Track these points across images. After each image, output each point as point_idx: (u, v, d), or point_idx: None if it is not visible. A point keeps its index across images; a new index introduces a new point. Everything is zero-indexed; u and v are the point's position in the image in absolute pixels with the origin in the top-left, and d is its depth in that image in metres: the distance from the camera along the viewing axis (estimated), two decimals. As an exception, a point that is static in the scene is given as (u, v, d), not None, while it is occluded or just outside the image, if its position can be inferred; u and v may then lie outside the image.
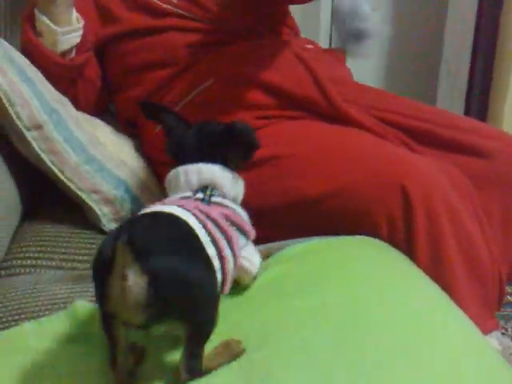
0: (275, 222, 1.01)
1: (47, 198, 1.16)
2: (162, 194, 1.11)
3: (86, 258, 0.98)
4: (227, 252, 0.63)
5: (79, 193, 1.04)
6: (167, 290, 0.50)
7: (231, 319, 0.69)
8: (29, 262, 0.94)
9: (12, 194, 1.03)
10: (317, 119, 1.10)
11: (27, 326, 0.71)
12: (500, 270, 1.03)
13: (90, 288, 0.78)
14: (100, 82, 1.22)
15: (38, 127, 0.99)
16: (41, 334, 0.69)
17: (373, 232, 0.91)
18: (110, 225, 1.06)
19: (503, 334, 1.31)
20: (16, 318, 0.72)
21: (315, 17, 2.07)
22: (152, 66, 1.16)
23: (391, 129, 1.08)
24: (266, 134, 1.06)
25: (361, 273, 0.79)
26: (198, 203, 0.65)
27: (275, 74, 1.12)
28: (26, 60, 1.04)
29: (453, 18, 2.02)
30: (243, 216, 0.73)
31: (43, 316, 0.72)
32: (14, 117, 0.98)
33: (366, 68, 2.25)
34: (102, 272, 0.50)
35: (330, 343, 0.63)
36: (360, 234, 0.90)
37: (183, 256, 0.53)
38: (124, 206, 1.07)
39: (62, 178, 1.02)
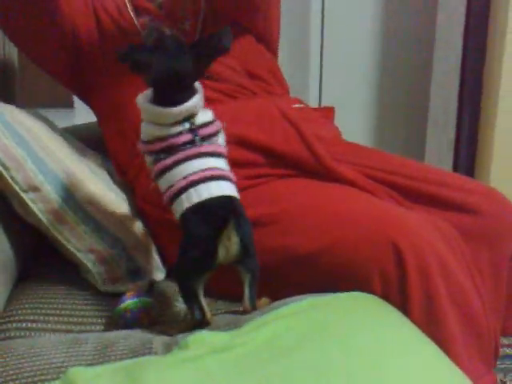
0: (268, 280, 1.01)
1: (42, 257, 1.17)
2: (156, 251, 1.12)
3: (80, 319, 0.97)
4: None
5: (76, 253, 1.04)
6: (246, 242, 0.87)
7: (232, 376, 0.68)
8: (24, 324, 0.94)
9: (8, 254, 1.03)
10: (307, 177, 1.12)
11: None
12: (493, 325, 1.03)
13: (85, 351, 0.78)
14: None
15: (35, 189, 1.01)
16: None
17: (367, 287, 0.92)
18: (105, 285, 1.06)
19: (502, 387, 1.29)
20: (11, 384, 0.72)
21: (304, 74, 2.13)
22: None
23: (380, 186, 1.11)
24: (256, 193, 1.08)
25: (359, 328, 0.79)
26: (198, 149, 0.90)
27: (263, 133, 1.15)
28: (25, 122, 1.06)
29: (438, 71, 2.09)
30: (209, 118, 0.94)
31: (39, 381, 0.71)
32: (10, 181, 1.00)
33: (353, 122, 2.31)
34: (214, 236, 0.84)
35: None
36: (354, 290, 0.90)
37: (247, 224, 0.89)
38: (120, 264, 1.07)
39: (59, 238, 1.03)
